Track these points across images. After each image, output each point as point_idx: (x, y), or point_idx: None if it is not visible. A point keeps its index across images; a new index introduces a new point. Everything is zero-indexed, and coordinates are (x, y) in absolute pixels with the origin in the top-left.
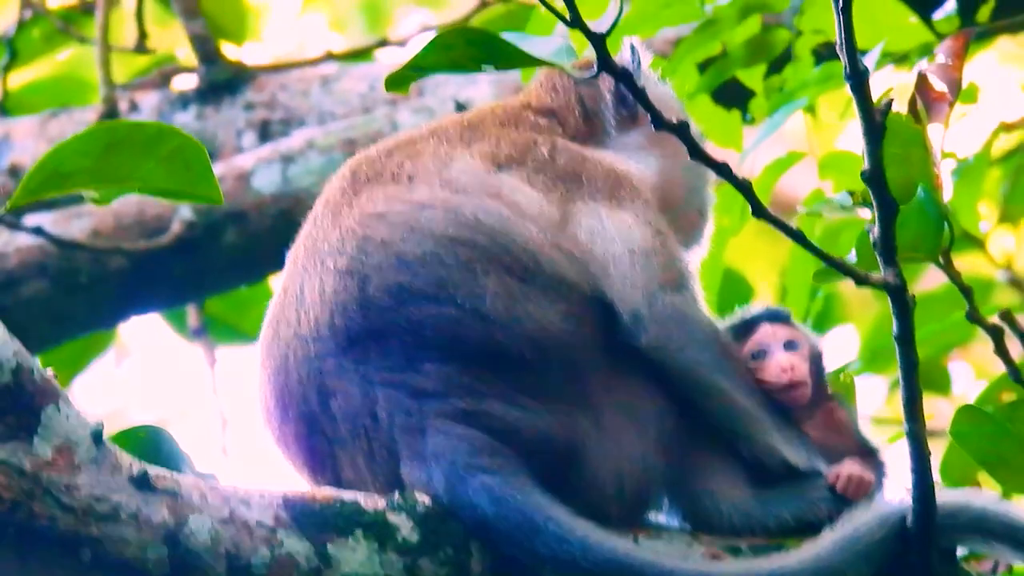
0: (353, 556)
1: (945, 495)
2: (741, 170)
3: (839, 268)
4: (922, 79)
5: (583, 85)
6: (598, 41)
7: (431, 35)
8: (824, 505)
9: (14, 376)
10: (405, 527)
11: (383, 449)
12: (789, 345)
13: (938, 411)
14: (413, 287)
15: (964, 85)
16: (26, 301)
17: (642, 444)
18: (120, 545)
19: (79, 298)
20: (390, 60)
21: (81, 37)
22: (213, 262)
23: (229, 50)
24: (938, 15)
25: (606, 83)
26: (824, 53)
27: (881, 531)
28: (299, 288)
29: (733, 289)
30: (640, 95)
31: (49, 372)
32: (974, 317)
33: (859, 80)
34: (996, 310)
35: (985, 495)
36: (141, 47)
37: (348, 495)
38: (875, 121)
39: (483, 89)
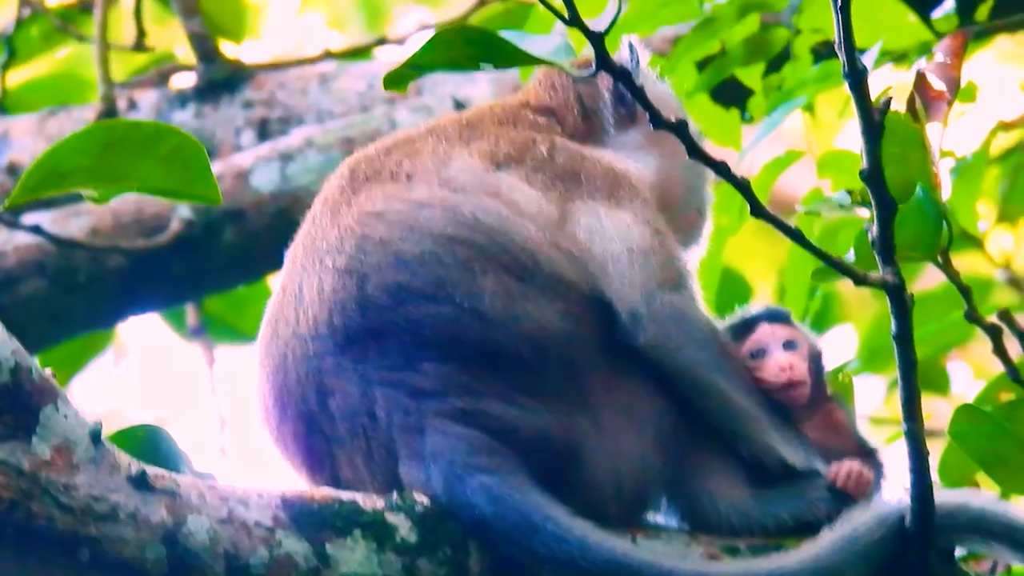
0: (351, 556)
1: (943, 495)
2: (739, 169)
3: (837, 267)
4: (921, 78)
5: (582, 84)
6: (596, 40)
7: (430, 33)
8: (823, 505)
9: (12, 375)
10: (403, 527)
11: (381, 448)
12: (788, 345)
13: (936, 411)
14: (412, 286)
15: (963, 84)
16: (24, 300)
17: (641, 444)
18: (118, 545)
19: (77, 297)
20: (389, 58)
21: (80, 35)
22: (212, 261)
23: (228, 48)
24: (937, 14)
25: (605, 82)
26: (823, 52)
27: (880, 531)
28: (298, 287)
29: (732, 288)
30: (639, 94)
31: (47, 371)
32: (973, 316)
33: (857, 79)
34: (995, 309)
35: (983, 495)
36: (140, 45)
37: (346, 495)
38: (873, 120)
39: (482, 88)
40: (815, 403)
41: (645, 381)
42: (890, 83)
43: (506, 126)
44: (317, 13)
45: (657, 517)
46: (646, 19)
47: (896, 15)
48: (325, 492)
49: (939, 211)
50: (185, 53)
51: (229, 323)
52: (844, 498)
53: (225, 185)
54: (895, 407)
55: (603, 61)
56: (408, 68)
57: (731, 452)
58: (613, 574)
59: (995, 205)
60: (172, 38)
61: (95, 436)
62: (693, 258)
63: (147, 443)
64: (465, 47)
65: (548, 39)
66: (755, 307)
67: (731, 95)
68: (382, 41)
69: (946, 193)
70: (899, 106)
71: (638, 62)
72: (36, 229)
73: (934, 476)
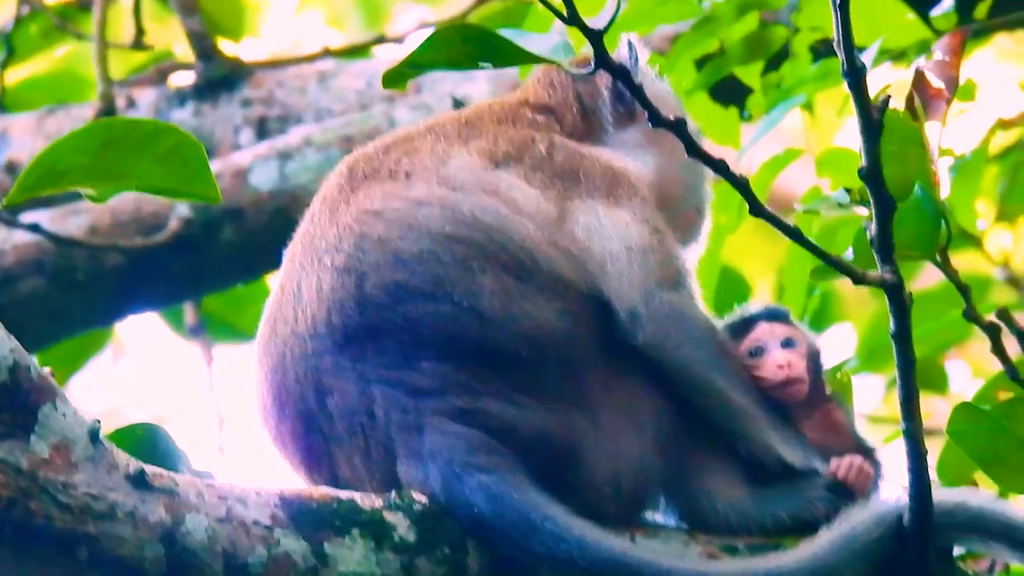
0: (350, 555)
1: (942, 494)
2: (738, 167)
3: (836, 266)
4: (919, 76)
5: (580, 82)
6: (595, 38)
7: (428, 32)
8: (821, 504)
9: (11, 374)
10: (402, 526)
11: (380, 447)
12: (786, 343)
13: (935, 410)
14: (410, 285)
15: (961, 82)
16: (23, 298)
17: (639, 443)
18: (117, 544)
19: (76, 296)
20: (387, 57)
21: (78, 33)
22: (210, 260)
23: (226, 47)
24: (935, 12)
25: (603, 80)
26: (821, 50)
27: (878, 530)
28: (296, 285)
29: (730, 287)
30: (637, 92)
31: (46, 370)
32: (971, 315)
33: (856, 77)
34: (993, 308)
35: (982, 494)
36: (138, 44)
37: (345, 494)
38: (872, 118)
39: (481, 86)
40: (813, 402)
41: (644, 380)
42: (889, 81)
43: (505, 124)
44: (316, 11)
45: (656, 516)
46: (645, 17)
47: (895, 13)
48: (323, 491)
49: (938, 210)
50: (184, 51)
51: (228, 322)
52: (843, 496)
53: (224, 184)
54: (894, 406)
55: (602, 59)
56: (407, 66)
57: (730, 451)
58: (612, 573)
59: (994, 204)
60: (171, 36)
61: (93, 435)
62: (692, 256)
63: (145, 442)
64: (464, 45)
65: (547, 37)
66: (754, 306)
67: (730, 93)
68: (381, 39)
69: (945, 191)
70: (898, 104)
71: (637, 60)
72: (35, 227)
73: (932, 475)
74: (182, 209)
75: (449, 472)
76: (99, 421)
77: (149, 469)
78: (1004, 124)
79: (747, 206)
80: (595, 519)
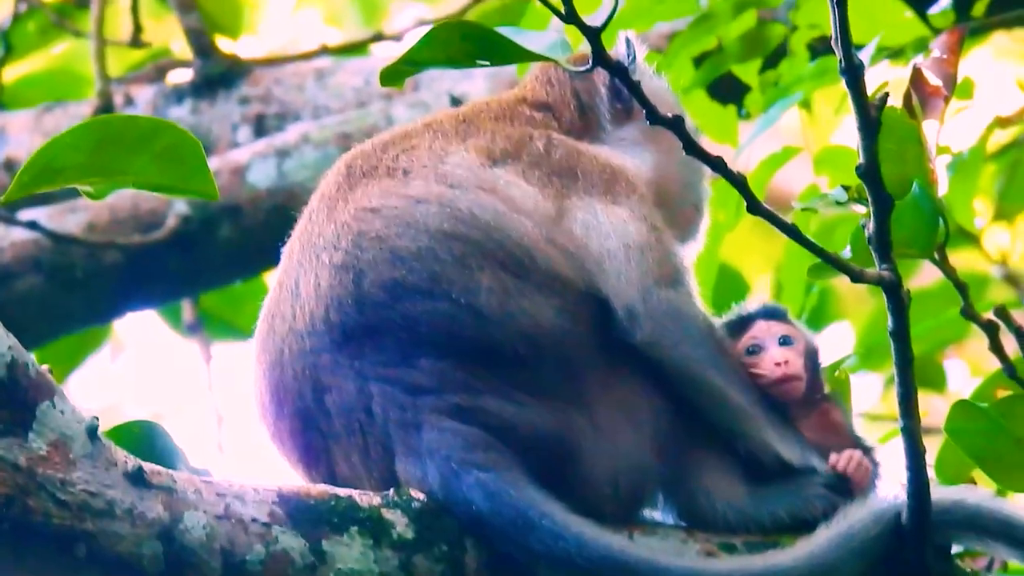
0: (348, 552)
1: (940, 492)
2: (736, 165)
3: (834, 264)
4: (917, 74)
5: (578, 79)
6: (593, 35)
7: (426, 29)
8: (819, 502)
9: (9, 371)
10: (400, 523)
11: (378, 445)
12: (784, 340)
13: (933, 408)
14: (408, 282)
15: (959, 80)
16: (21, 296)
17: (637, 441)
18: (115, 541)
19: (74, 293)
20: (385, 54)
21: (76, 31)
22: (208, 257)
23: (224, 44)
24: (933, 10)
25: (601, 77)
26: (819, 48)
27: (876, 528)
28: (294, 283)
29: (728, 285)
30: (635, 89)
31: (44, 367)
32: (969, 313)
33: (854, 75)
34: (991, 306)
35: (980, 492)
36: (136, 41)
37: (343, 491)
38: (870, 116)
39: (478, 84)
40: (811, 401)
41: (642, 378)
42: (887, 79)
43: (502, 122)
44: (313, 9)
45: (654, 514)
46: (643, 15)
47: (893, 11)
48: (321, 488)
49: (936, 208)
50: (181, 49)
51: (226, 319)
52: (842, 492)
53: (222, 181)
54: (892, 404)
55: (599, 57)
56: (404, 64)
57: (728, 449)
58: (609, 571)
59: (992, 202)
60: (169, 34)
61: (92, 432)
62: (690, 254)
63: (143, 439)
64: (462, 43)
65: (545, 35)
66: (752, 304)
67: (728, 91)
68: (379, 37)
69: (943, 189)
70: (896, 102)
71: (634, 58)
72: (33, 225)
73: (930, 473)
74: (180, 206)
75: (447, 469)
76: (97, 418)
77: (147, 466)
78: (1002, 122)
79: (745, 204)
80: (593, 517)
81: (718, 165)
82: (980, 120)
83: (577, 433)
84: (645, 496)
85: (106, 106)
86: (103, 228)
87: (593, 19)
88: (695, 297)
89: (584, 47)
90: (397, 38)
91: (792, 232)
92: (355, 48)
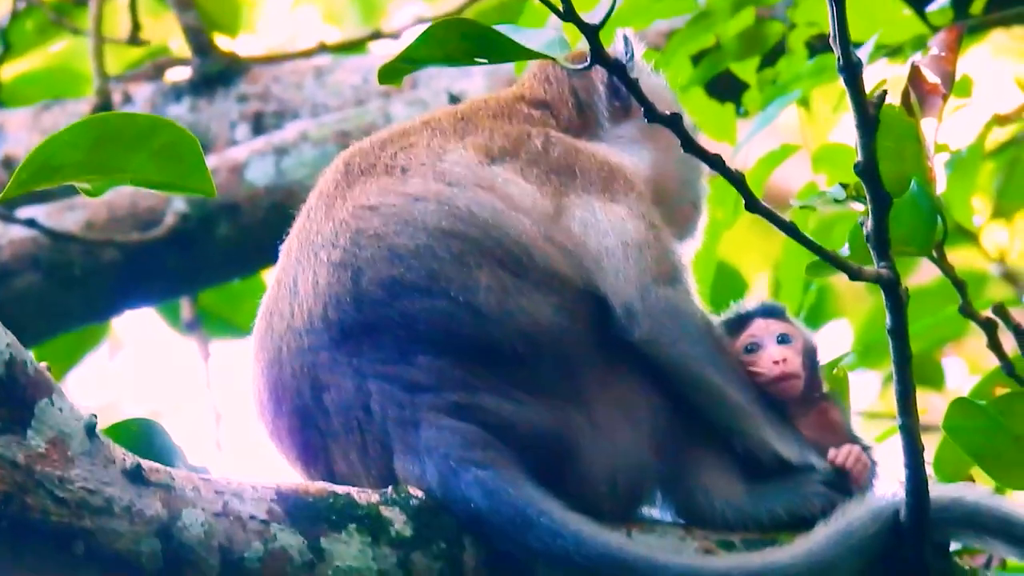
0: (346, 550)
1: (938, 489)
2: (734, 163)
3: (832, 262)
4: (916, 72)
5: (576, 77)
6: (591, 33)
7: (424, 27)
8: (817, 500)
9: (7, 369)
10: (398, 521)
11: (376, 443)
12: (782, 339)
13: (931, 406)
14: (406, 280)
15: (957, 78)
16: (19, 294)
17: (636, 439)
18: (113, 538)
19: (72, 291)
20: (384, 52)
21: (74, 29)
22: (207, 255)
23: (223, 42)
24: (932, 8)
25: (599, 75)
26: (818, 46)
27: (874, 525)
28: (293, 281)
29: (726, 282)
30: (633, 87)
31: (42, 365)
32: (967, 311)
33: (853, 73)
34: (989, 304)
35: (978, 489)
36: (134, 39)
37: (341, 489)
38: (869, 114)
39: (477, 81)
40: (810, 399)
41: (641, 376)
42: (885, 77)
43: (501, 120)
44: (312, 7)
45: (652, 511)
46: (641, 13)
47: (891, 9)
48: (320, 486)
49: (934, 205)
50: (180, 47)
51: (224, 317)
52: (841, 488)
53: (220, 179)
54: (890, 402)
55: (598, 54)
56: (403, 62)
57: (726, 447)
58: (608, 568)
59: (990, 199)
60: (167, 32)
61: (90, 429)
62: (688, 252)
63: (142, 437)
64: (460, 41)
65: (543, 33)
66: (750, 302)
67: (726, 89)
68: (377, 35)
69: (941, 187)
70: (894, 100)
71: (632, 55)
72: (31, 223)
73: (929, 471)
74: (179, 204)
75: (445, 467)
76: (95, 416)
77: (146, 464)
78: (1000, 120)
79: (743, 201)
80: (591, 514)
81: (716, 163)
82: (978, 118)
83: (575, 431)
84: (643, 494)
85: (104, 104)
86: (101, 226)
87: (591, 17)
88: (693, 295)
89: (582, 45)
90: (395, 36)
91: (790, 230)
92: (353, 46)
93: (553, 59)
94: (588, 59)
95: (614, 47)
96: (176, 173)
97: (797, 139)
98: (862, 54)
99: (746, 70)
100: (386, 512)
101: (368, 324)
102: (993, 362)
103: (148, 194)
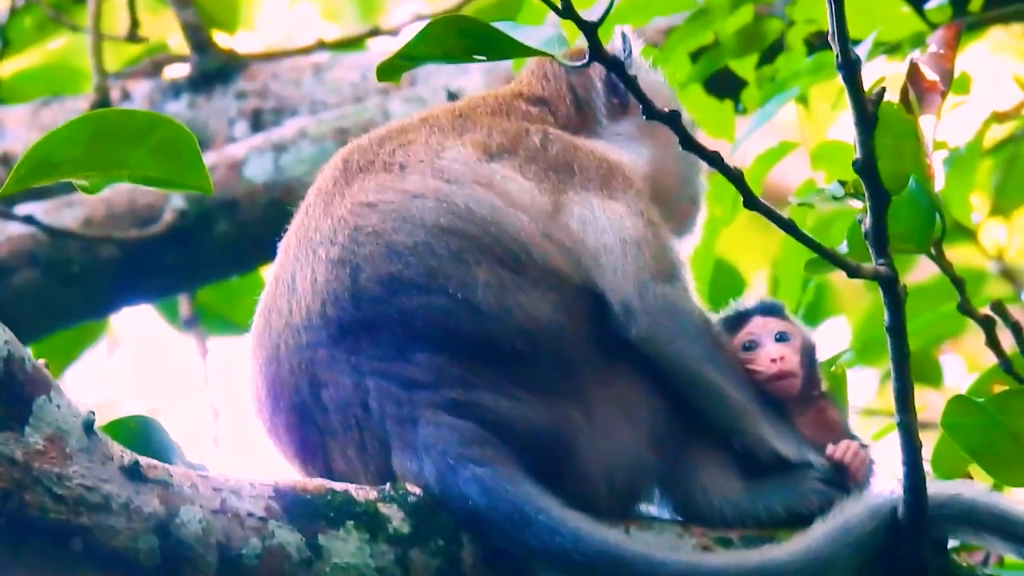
0: (344, 547)
1: (936, 487)
2: (733, 160)
3: (831, 259)
4: (914, 69)
5: (574, 74)
6: (590, 30)
7: (423, 24)
8: (815, 497)
9: (5, 365)
10: (396, 518)
11: (374, 440)
12: (780, 337)
13: (929, 403)
14: (404, 277)
15: (956, 75)
16: (17, 291)
17: (634, 436)
18: (111, 535)
19: (71, 288)
20: (382, 49)
21: (73, 25)
22: (205, 252)
23: (221, 39)
24: (930, 5)
25: (597, 72)
26: (816, 43)
27: (872, 522)
28: (291, 278)
29: (725, 280)
30: (631, 84)
31: (40, 362)
32: (966, 308)
33: (851, 70)
34: (987, 301)
35: (976, 487)
36: (133, 36)
37: (339, 486)
38: (867, 111)
39: (475, 78)
40: (808, 398)
41: (639, 374)
42: (884, 74)
43: (499, 116)
44: (310, 4)
45: (650, 509)
46: (639, 10)
47: (890, 6)
48: (318, 483)
49: (932, 203)
50: (178, 44)
51: (222, 314)
52: (838, 486)
53: (218, 176)
54: (888, 399)
55: (596, 51)
56: (401, 59)
57: (724, 444)
58: (606, 565)
59: (988, 197)
60: (165, 28)
61: (88, 426)
62: (686, 249)
63: (140, 434)
64: (458, 38)
65: (541, 30)
66: (749, 300)
67: (725, 86)
68: (376, 32)
69: (939, 185)
70: (893, 97)
71: (631, 52)
72: (29, 219)
73: (927, 468)
74: (177, 201)
75: (443, 464)
76: (93, 413)
77: (143, 461)
78: (999, 117)
79: (742, 199)
80: (590, 512)
81: (715, 160)
82: (977, 115)
83: (573, 428)
84: (641, 491)
85: (103, 101)
86: (100, 223)
87: (590, 14)
88: (691, 292)
89: (581, 42)
90: (394, 33)
91: (789, 227)
92: (352, 43)
93: (551, 56)
94: (586, 56)
95: (612, 44)
96: (174, 170)
97: (796, 136)
98: (861, 51)
99: (745, 67)
100: (384, 509)
101: (366, 321)
102: (991, 359)
103: (146, 191)
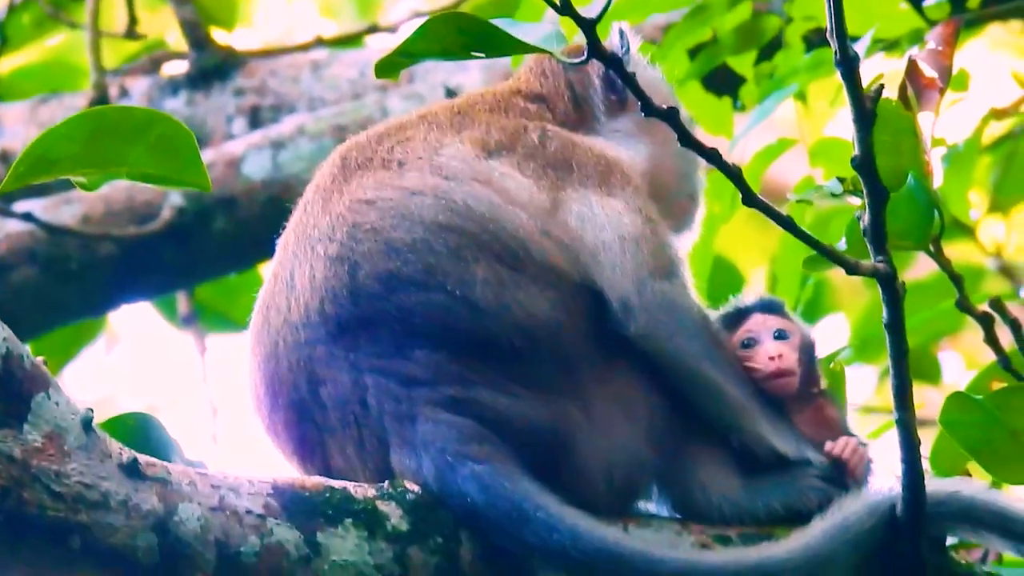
0: (342, 544)
1: (935, 484)
2: (731, 157)
3: (829, 256)
4: (913, 66)
5: (573, 71)
6: (588, 27)
7: (421, 21)
8: (814, 494)
9: (4, 363)
10: (394, 515)
11: (373, 437)
12: (779, 334)
13: (928, 400)
14: (403, 274)
15: (954, 72)
16: (16, 288)
17: (632, 433)
18: (109, 532)
19: (69, 285)
20: (381, 46)
21: (71, 22)
22: (203, 249)
23: (219, 36)
24: (928, 2)
25: (596, 69)
26: (814, 40)
27: (871, 520)
28: (289, 275)
29: (723, 277)
30: (629, 81)
31: (39, 359)
32: (964, 305)
33: (849, 67)
34: (986, 298)
35: (974, 484)
36: (131, 33)
37: (338, 483)
38: (865, 108)
39: (473, 75)
40: (806, 396)
41: (637, 371)
42: (882, 71)
43: (497, 114)
44: (308, 1)
45: (649, 506)
46: (638, 7)
47: (888, 3)
48: (316, 480)
49: (931, 200)
50: (177, 40)
51: (220, 311)
52: (837, 484)
53: (217, 173)
54: (887, 396)
55: (594, 48)
56: (399, 56)
57: (723, 442)
58: (604, 563)
59: (987, 194)
60: (164, 25)
61: (86, 424)
62: (685, 246)
63: (138, 431)
64: (456, 35)
65: (539, 27)
66: (748, 297)
67: (723, 83)
68: (374, 29)
69: (938, 181)
70: (891, 94)
71: (629, 49)
72: (27, 216)
73: (925, 465)
74: (175, 198)
75: (442, 462)
76: (92, 410)
77: (142, 458)
78: (997, 114)
79: (740, 196)
80: (588, 509)
81: (713, 157)
82: (975, 112)
83: (572, 426)
84: (640, 488)
85: (101, 98)
86: (98, 220)
87: (588, 11)
88: (690, 289)
89: (579, 39)
90: (392, 30)
91: (787, 224)
92: (350, 40)
93: (550, 53)
94: (585, 53)
95: (610, 41)
96: (172, 167)
97: (794, 133)
98: (859, 48)
99: (743, 64)
100: (382, 507)
101: (365, 318)
102: (990, 356)
103: (145, 188)
